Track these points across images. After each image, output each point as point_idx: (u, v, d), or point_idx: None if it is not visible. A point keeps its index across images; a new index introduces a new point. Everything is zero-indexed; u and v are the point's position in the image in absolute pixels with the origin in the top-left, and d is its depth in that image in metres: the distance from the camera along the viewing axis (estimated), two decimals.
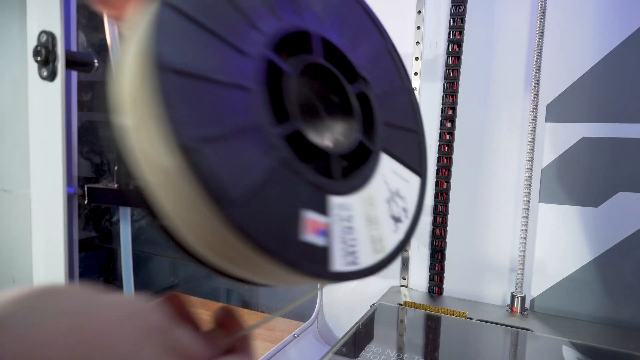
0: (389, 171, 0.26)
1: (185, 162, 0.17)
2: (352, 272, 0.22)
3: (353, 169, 0.24)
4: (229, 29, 0.19)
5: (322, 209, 0.22)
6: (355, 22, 0.26)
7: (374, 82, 0.26)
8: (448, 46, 1.00)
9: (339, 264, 0.22)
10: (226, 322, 0.23)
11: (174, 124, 0.16)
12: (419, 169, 0.29)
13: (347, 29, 0.25)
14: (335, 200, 0.22)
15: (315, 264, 0.21)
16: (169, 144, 0.17)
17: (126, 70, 0.19)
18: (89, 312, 0.16)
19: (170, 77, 0.17)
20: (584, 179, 0.91)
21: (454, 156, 1.02)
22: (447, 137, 1.01)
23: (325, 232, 0.21)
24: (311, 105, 0.25)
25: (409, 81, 0.30)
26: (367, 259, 0.23)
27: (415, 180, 0.28)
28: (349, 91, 0.24)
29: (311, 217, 0.21)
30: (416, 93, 1.04)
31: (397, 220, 0.27)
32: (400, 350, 0.77)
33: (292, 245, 0.20)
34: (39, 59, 0.45)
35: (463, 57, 1.00)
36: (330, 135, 0.25)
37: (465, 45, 1.00)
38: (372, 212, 0.25)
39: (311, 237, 0.21)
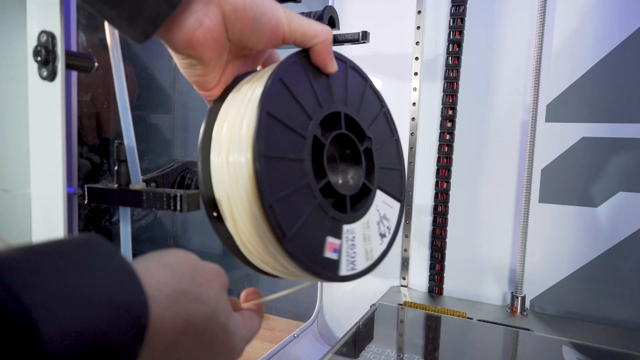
0: (380, 202, 0.37)
1: (265, 214, 0.27)
2: (351, 275, 0.33)
3: (357, 201, 0.35)
4: (298, 122, 0.30)
5: (338, 234, 0.32)
6: (365, 97, 0.38)
7: (374, 136, 0.37)
8: (448, 46, 1.00)
9: (344, 270, 0.32)
10: (249, 295, 0.34)
11: (263, 191, 0.27)
12: (400, 197, 0.40)
13: (360, 102, 0.37)
14: (345, 227, 0.33)
15: (329, 272, 0.31)
16: (257, 203, 0.27)
17: (224, 139, 0.29)
18: (200, 267, 0.26)
19: (263, 160, 0.27)
20: (584, 179, 0.91)
21: (454, 156, 1.02)
22: (447, 137, 1.01)
23: (337, 250, 0.32)
24: (333, 156, 0.36)
25: (396, 133, 0.41)
26: (361, 265, 0.34)
27: (397, 205, 0.40)
28: (359, 148, 0.36)
29: (330, 240, 0.31)
30: (416, 93, 1.04)
31: (382, 235, 0.37)
32: (400, 350, 0.77)
33: (318, 261, 0.30)
34: (39, 59, 0.45)
35: (463, 57, 1.00)
36: (343, 175, 0.37)
37: (465, 45, 1.00)
38: (367, 232, 0.35)
39: (329, 254, 0.31)
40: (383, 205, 0.37)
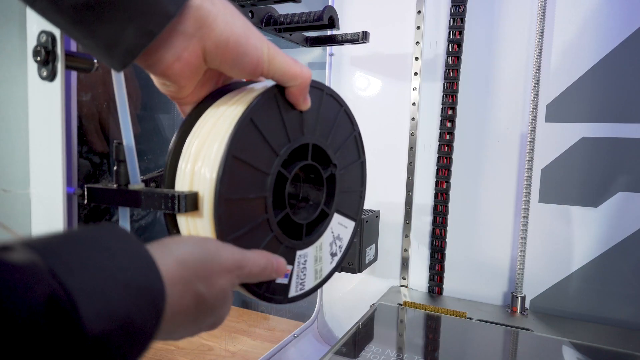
0: (336, 223, 0.38)
1: None
2: (299, 295, 0.35)
3: (314, 225, 0.37)
4: (263, 161, 0.31)
5: (291, 261, 0.34)
6: (338, 121, 0.38)
7: (340, 158, 0.38)
8: (448, 46, 1.00)
9: (293, 292, 0.34)
10: None
11: (219, 232, 0.28)
12: (355, 216, 0.41)
13: (332, 127, 0.37)
14: (299, 253, 0.35)
15: (279, 296, 0.33)
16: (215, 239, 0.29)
17: (188, 172, 0.30)
18: (211, 261, 0.27)
19: (223, 203, 0.28)
20: (584, 179, 0.91)
21: (454, 156, 1.02)
22: (447, 137, 1.01)
23: (287, 275, 0.34)
24: (299, 176, 0.38)
25: (364, 155, 0.42)
26: (310, 284, 0.36)
27: (351, 224, 0.41)
28: (323, 174, 0.37)
29: None
30: (416, 93, 1.04)
31: (333, 255, 0.39)
32: (400, 350, 0.77)
33: (269, 288, 0.32)
34: (38, 59, 0.45)
35: (463, 57, 1.00)
36: (305, 197, 0.38)
37: (465, 45, 1.00)
38: (319, 254, 0.37)
39: (280, 280, 0.33)
40: (338, 226, 0.39)
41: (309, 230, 0.36)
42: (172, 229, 0.32)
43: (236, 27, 0.29)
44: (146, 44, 0.27)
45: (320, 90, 0.36)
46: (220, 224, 0.28)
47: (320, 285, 0.37)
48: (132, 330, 0.20)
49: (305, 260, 0.35)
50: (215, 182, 0.28)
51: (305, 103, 0.33)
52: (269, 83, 0.33)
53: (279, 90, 0.32)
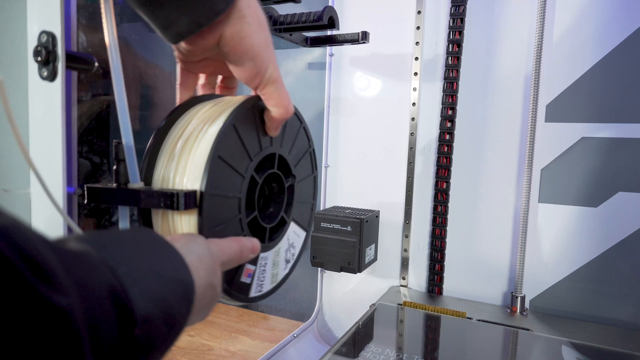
0: (291, 232, 0.42)
1: None
2: (258, 296, 0.38)
3: (274, 231, 0.40)
4: (240, 164, 0.34)
5: (254, 261, 0.37)
6: (298, 137, 0.42)
7: (298, 171, 0.43)
8: (448, 46, 1.00)
9: (253, 292, 0.38)
10: None
11: (202, 227, 0.31)
12: (307, 227, 0.45)
13: (293, 142, 0.42)
14: (261, 255, 0.38)
15: (241, 294, 0.36)
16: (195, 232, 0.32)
17: (179, 170, 0.33)
18: (213, 254, 0.30)
19: (208, 197, 0.31)
20: (583, 179, 0.91)
21: (453, 156, 1.02)
22: (447, 137, 1.01)
23: (251, 275, 0.37)
24: (264, 186, 0.41)
25: (316, 170, 0.46)
26: (267, 287, 0.39)
27: (303, 234, 0.45)
28: (285, 183, 0.41)
29: (248, 267, 0.36)
30: (416, 93, 1.04)
31: (287, 261, 0.42)
32: (400, 350, 0.77)
33: (234, 285, 0.35)
34: (39, 59, 0.45)
35: (463, 57, 1.00)
36: (268, 203, 0.41)
37: (465, 45, 1.00)
38: (277, 259, 0.40)
39: (244, 279, 0.36)
40: (293, 234, 0.43)
41: (271, 235, 0.40)
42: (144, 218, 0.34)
43: (257, 34, 0.33)
44: (195, 31, 0.32)
45: None
46: (202, 218, 0.31)
47: (275, 289, 0.41)
48: (170, 316, 0.23)
49: (266, 263, 0.39)
50: (201, 178, 0.31)
51: (276, 131, 0.37)
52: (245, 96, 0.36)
53: (258, 103, 0.36)
